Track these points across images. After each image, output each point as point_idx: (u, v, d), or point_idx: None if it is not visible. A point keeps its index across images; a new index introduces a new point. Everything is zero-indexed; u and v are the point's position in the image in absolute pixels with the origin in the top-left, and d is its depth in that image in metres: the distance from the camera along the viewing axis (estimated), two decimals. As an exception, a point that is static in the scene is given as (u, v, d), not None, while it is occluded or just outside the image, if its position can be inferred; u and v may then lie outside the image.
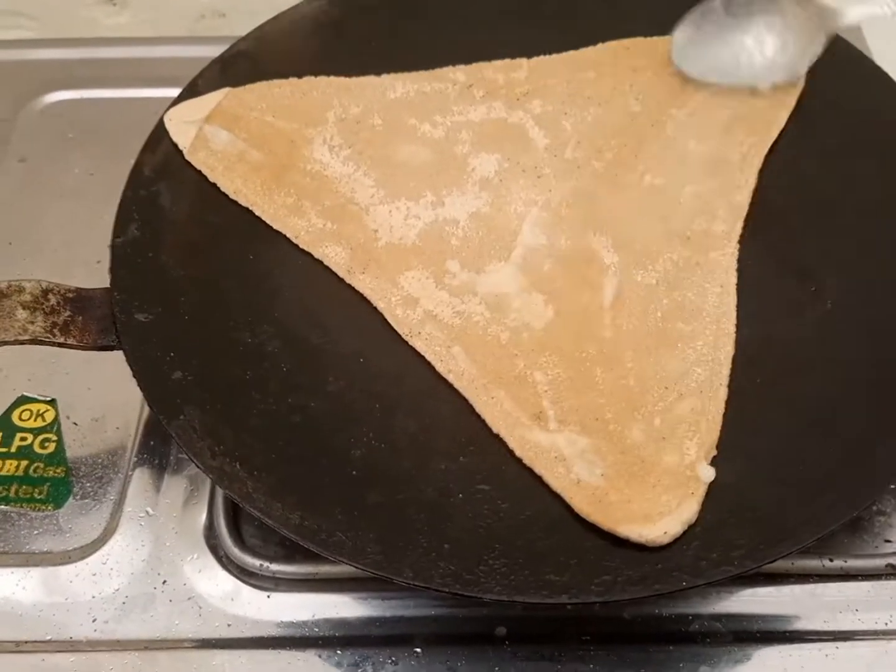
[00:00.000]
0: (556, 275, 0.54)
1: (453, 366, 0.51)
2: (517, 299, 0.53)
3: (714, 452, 0.47)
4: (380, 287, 0.54)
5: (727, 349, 0.51)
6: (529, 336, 0.52)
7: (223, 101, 0.61)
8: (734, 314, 0.52)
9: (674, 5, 0.64)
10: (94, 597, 0.52)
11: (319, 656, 0.50)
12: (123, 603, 0.52)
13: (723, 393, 0.49)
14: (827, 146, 0.60)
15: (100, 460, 0.57)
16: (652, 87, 0.62)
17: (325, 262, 0.56)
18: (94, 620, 0.51)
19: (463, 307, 0.53)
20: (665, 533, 0.44)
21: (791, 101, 0.61)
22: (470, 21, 0.68)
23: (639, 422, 0.48)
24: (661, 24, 0.64)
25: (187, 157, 0.59)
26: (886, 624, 0.50)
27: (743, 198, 0.57)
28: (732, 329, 0.51)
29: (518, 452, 0.48)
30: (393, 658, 0.50)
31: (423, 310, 0.53)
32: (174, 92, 0.64)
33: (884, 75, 0.62)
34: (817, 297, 0.54)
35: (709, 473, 0.46)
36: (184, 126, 0.60)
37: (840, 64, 0.61)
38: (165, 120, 0.61)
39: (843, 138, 0.60)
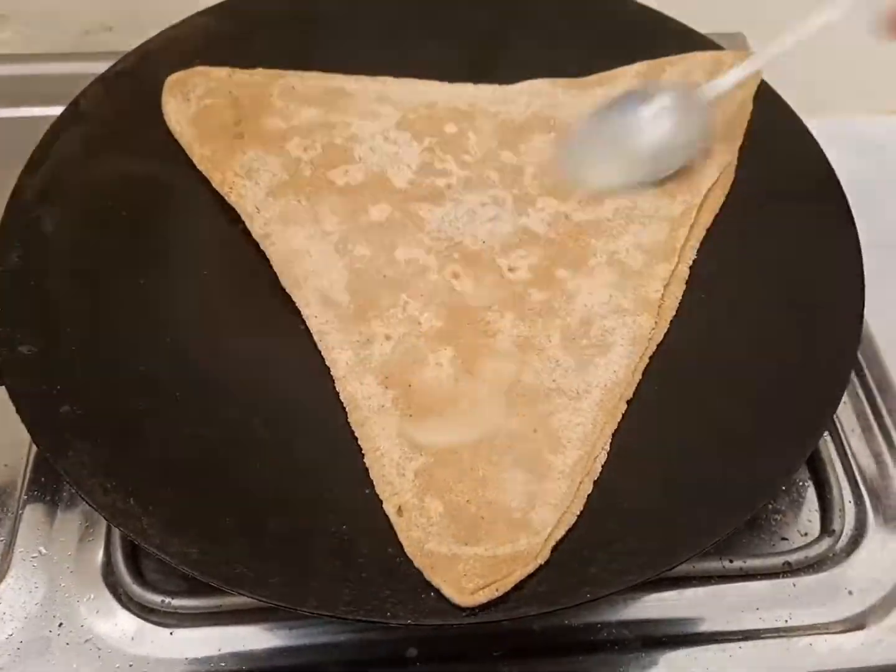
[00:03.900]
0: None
1: None
2: None
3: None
4: None
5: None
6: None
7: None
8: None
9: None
10: (-14, 643, 0.50)
11: (226, 692, 0.49)
12: (18, 648, 0.50)
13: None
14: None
15: (-13, 500, 0.55)
16: None
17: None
18: (-13, 668, 0.49)
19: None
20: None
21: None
22: (366, 33, 0.67)
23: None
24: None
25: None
26: (787, 621, 0.52)
27: None
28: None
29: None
30: (303, 688, 0.49)
31: None
32: (58, 110, 0.62)
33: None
34: (707, 305, 0.55)
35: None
36: None
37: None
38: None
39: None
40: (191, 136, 0.61)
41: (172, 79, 0.63)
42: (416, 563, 0.45)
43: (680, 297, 0.55)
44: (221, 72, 0.64)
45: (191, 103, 0.62)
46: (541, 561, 0.45)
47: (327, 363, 0.52)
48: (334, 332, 0.53)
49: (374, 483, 0.48)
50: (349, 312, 0.53)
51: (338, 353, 0.52)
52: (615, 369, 0.52)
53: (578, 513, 0.47)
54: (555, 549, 0.46)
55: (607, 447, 0.49)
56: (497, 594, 0.44)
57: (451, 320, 0.53)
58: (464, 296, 0.54)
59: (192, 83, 0.63)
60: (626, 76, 0.64)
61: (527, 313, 0.54)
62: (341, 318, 0.53)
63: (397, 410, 0.50)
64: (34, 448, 0.56)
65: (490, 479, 0.48)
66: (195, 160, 0.60)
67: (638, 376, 0.52)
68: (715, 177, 0.59)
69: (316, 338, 0.53)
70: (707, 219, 0.58)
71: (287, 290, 0.54)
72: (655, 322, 0.54)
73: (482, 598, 0.44)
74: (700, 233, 0.58)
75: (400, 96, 0.64)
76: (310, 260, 0.55)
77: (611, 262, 0.56)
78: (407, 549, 0.45)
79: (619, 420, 0.50)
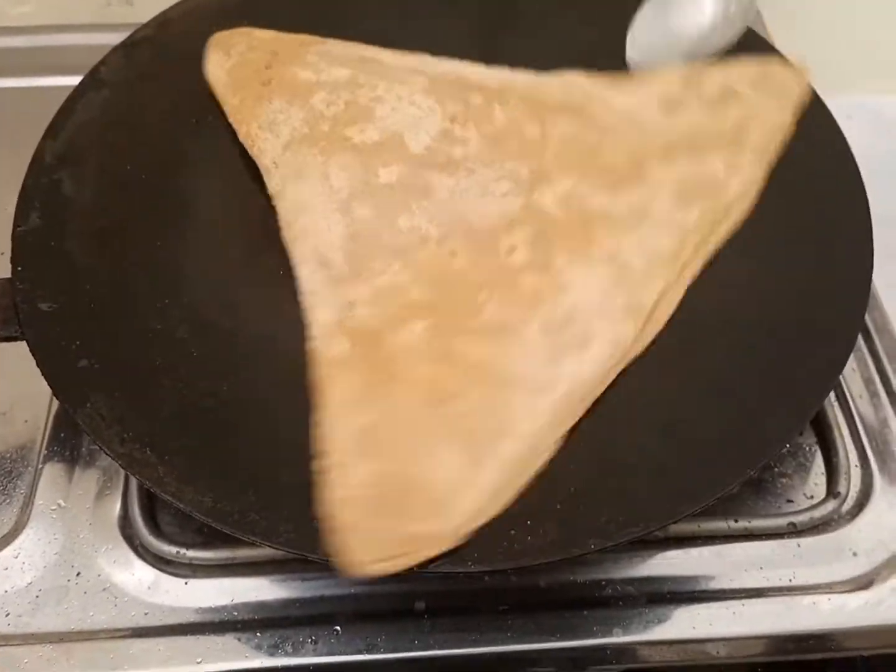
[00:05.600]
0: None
1: None
2: None
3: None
4: None
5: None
6: None
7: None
8: None
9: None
10: (6, 591, 0.51)
11: (238, 640, 0.50)
12: (37, 596, 0.51)
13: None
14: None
15: (8, 454, 0.56)
16: None
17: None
18: (7, 615, 0.51)
19: None
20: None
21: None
22: (394, 5, 0.68)
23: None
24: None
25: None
26: (790, 580, 0.52)
27: None
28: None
29: None
30: (313, 637, 0.50)
31: None
32: (78, 80, 0.63)
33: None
34: (714, 265, 0.55)
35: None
36: None
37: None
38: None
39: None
40: (224, 85, 0.61)
41: (216, 37, 0.64)
42: (329, 523, 0.44)
43: (671, 314, 0.53)
44: (266, 33, 0.64)
45: (231, 57, 0.63)
46: (449, 546, 0.44)
47: (305, 322, 0.51)
48: (320, 293, 0.52)
49: (317, 436, 0.47)
50: (340, 274, 0.53)
51: (318, 313, 0.51)
52: (585, 370, 0.50)
53: (504, 505, 0.46)
54: (560, 502, 0.46)
55: (557, 444, 0.48)
56: (395, 570, 0.43)
57: (438, 295, 0.52)
58: (456, 274, 0.53)
59: (235, 41, 0.64)
60: (669, 77, 0.62)
61: (514, 298, 0.52)
62: (331, 278, 0.53)
63: (360, 369, 0.49)
64: (55, 404, 0.58)
65: (427, 450, 0.47)
66: (228, 113, 0.60)
67: (607, 383, 0.50)
68: (737, 190, 0.57)
69: (302, 296, 0.52)
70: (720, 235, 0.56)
71: (285, 246, 0.54)
72: (640, 331, 0.52)
73: (378, 570, 0.43)
74: (705, 252, 0.55)
75: (433, 70, 0.63)
76: (312, 215, 0.55)
77: (612, 259, 0.54)
78: (325, 507, 0.45)
79: (575, 421, 0.49)
